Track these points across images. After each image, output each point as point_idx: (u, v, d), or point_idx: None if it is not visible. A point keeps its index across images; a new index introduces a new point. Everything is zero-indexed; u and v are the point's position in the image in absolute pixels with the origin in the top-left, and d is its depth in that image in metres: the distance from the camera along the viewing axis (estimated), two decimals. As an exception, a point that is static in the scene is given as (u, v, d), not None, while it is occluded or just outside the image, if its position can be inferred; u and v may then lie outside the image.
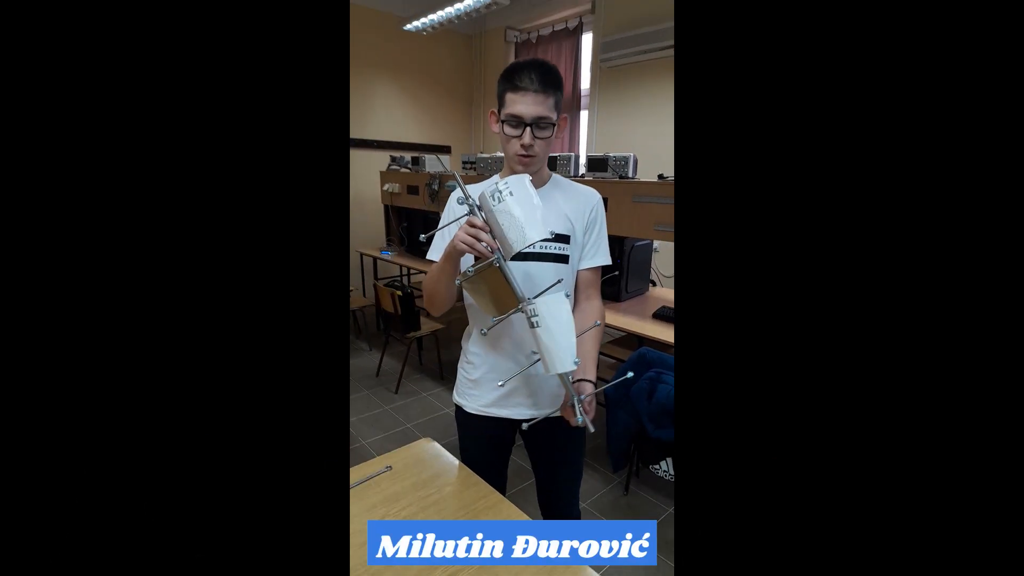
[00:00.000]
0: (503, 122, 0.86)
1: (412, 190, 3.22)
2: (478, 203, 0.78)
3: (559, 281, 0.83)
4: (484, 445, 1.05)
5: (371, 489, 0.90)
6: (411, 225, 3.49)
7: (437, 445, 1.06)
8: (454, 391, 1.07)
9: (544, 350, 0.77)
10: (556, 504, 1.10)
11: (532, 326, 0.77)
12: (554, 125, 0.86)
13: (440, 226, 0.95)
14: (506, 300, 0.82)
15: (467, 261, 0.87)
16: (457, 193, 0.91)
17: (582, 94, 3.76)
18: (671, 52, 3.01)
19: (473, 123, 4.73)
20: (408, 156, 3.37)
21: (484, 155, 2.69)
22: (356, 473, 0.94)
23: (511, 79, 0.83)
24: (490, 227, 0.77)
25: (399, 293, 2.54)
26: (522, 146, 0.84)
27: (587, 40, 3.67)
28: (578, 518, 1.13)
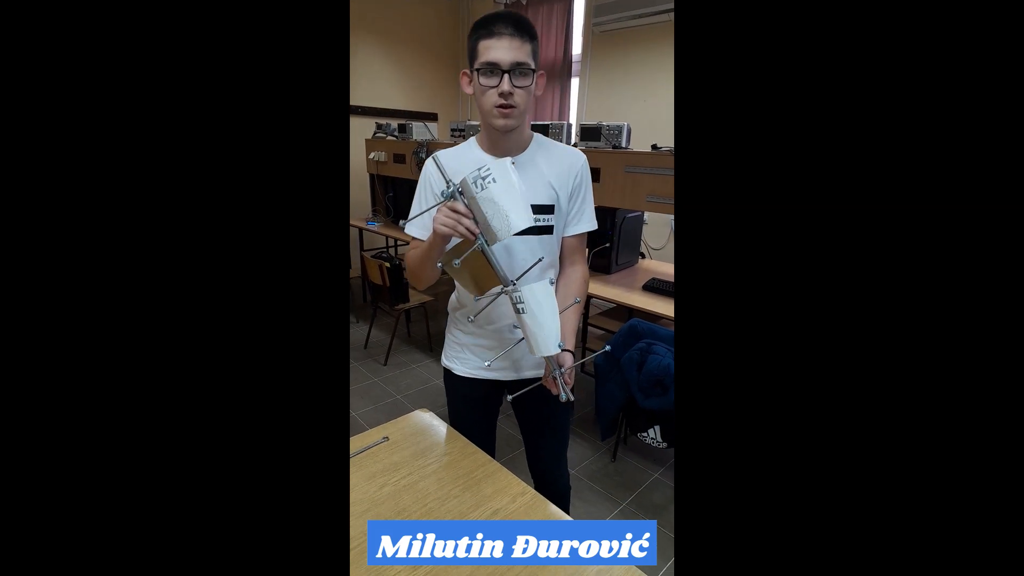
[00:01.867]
0: (477, 71, 0.79)
1: (399, 158, 3.13)
2: (459, 188, 0.74)
3: (540, 260, 0.80)
4: (472, 406, 1.07)
5: (370, 459, 0.90)
6: (397, 195, 3.41)
7: (433, 415, 1.06)
8: (443, 355, 1.08)
9: (529, 334, 0.77)
10: (545, 469, 1.13)
11: (517, 312, 0.77)
12: (533, 72, 0.80)
13: (420, 206, 0.92)
14: (489, 281, 0.81)
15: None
16: (439, 156, 0.87)
17: (573, 60, 3.66)
18: (667, 17, 2.93)
19: (460, 89, 4.58)
20: (394, 123, 3.27)
21: (473, 122, 2.61)
22: (354, 444, 0.94)
23: (484, 26, 0.78)
24: (472, 212, 0.74)
25: (387, 265, 2.50)
26: (500, 95, 0.78)
27: (579, 3, 3.54)
28: (567, 483, 1.17)
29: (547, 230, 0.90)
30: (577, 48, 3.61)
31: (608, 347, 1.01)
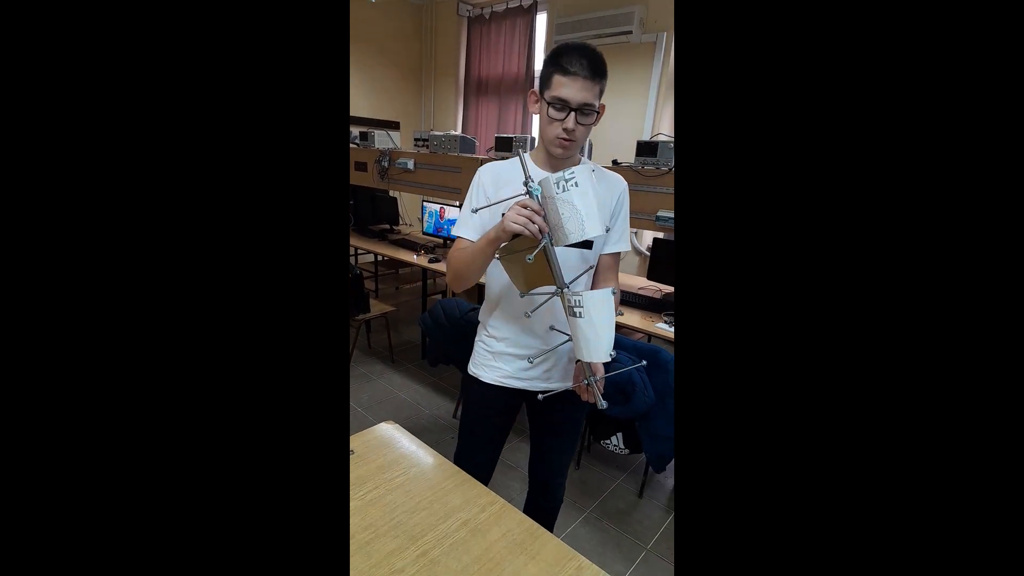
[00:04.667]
0: (548, 104, 0.85)
1: (360, 166, 3.08)
2: (539, 187, 0.78)
3: (590, 267, 0.86)
4: (494, 415, 1.08)
5: (334, 474, 0.88)
6: (358, 203, 3.35)
7: (397, 427, 1.04)
8: (470, 363, 1.09)
9: (583, 339, 0.79)
10: (550, 477, 1.15)
11: (573, 315, 0.78)
12: (596, 112, 0.86)
13: (476, 204, 0.93)
14: (540, 280, 0.83)
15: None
16: (486, 169, 0.94)
17: (535, 76, 3.74)
18: (625, 38, 3.06)
19: (424, 99, 4.58)
20: (356, 131, 3.22)
21: (437, 132, 2.62)
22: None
23: (560, 62, 0.82)
24: (545, 212, 0.76)
25: (348, 274, 2.45)
26: (564, 130, 0.84)
27: (541, 21, 3.63)
28: (562, 497, 1.18)
29: (588, 244, 0.94)
30: (539, 64, 3.69)
31: (644, 362, 1.05)
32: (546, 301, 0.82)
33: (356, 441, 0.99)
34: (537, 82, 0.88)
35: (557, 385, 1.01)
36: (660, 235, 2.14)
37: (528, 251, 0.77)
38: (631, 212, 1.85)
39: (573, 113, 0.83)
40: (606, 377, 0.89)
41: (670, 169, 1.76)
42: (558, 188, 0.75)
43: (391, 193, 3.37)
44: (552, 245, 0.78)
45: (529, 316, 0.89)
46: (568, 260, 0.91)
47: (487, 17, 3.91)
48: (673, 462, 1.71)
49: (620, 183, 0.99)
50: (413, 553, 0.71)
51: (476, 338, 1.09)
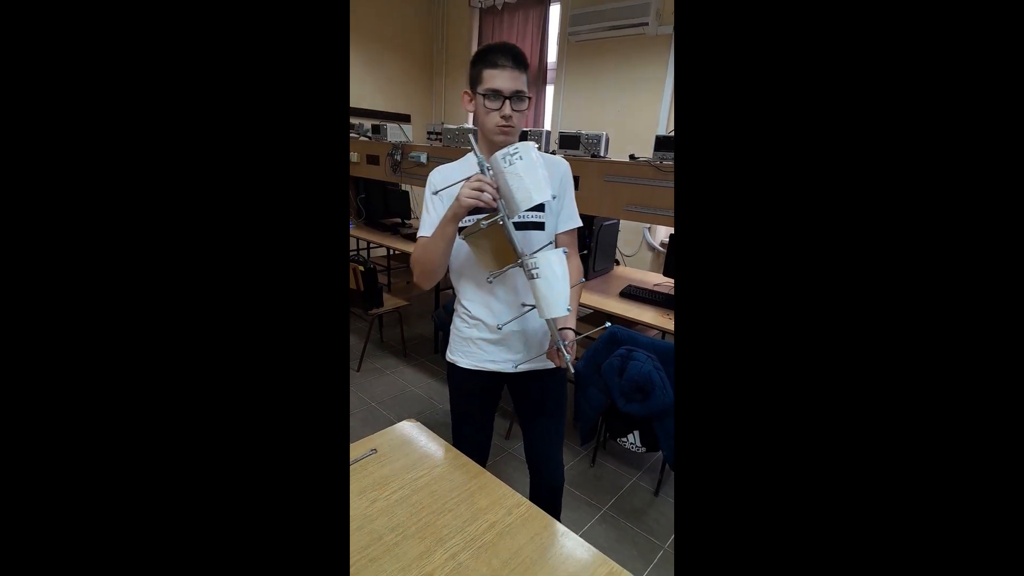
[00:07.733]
0: (483, 96, 0.92)
1: (372, 159, 3.07)
2: (487, 164, 0.85)
3: (550, 244, 0.93)
4: (475, 398, 1.13)
5: (359, 473, 0.87)
6: (370, 196, 3.34)
7: (419, 426, 1.04)
8: (447, 350, 1.14)
9: (541, 298, 0.85)
10: (544, 456, 1.15)
11: (531, 277, 0.85)
12: (528, 99, 0.95)
13: (427, 211, 1.00)
14: (505, 255, 0.90)
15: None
16: (436, 171, 1.02)
17: (548, 68, 3.69)
18: (640, 30, 3.01)
19: (434, 92, 4.55)
20: (368, 124, 3.20)
21: (450, 125, 2.59)
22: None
23: (488, 58, 0.91)
24: (498, 187, 0.83)
25: (361, 268, 2.44)
26: (503, 117, 0.92)
27: (555, 12, 3.58)
28: (562, 476, 1.18)
29: (540, 226, 1.02)
30: (552, 56, 3.65)
31: (608, 324, 1.17)
32: (507, 269, 0.89)
33: (379, 439, 0.98)
34: (468, 83, 0.96)
35: (529, 366, 1.06)
36: (677, 231, 2.11)
37: (486, 217, 0.85)
38: (650, 208, 1.85)
39: (507, 101, 0.91)
40: (576, 341, 0.96)
41: (690, 164, 1.73)
42: (505, 163, 0.81)
43: (403, 187, 3.36)
44: (508, 218, 0.84)
45: (491, 281, 0.96)
46: (531, 240, 0.99)
47: (499, 8, 3.86)
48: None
49: (562, 164, 1.06)
50: (442, 556, 0.71)
51: (451, 326, 1.13)
